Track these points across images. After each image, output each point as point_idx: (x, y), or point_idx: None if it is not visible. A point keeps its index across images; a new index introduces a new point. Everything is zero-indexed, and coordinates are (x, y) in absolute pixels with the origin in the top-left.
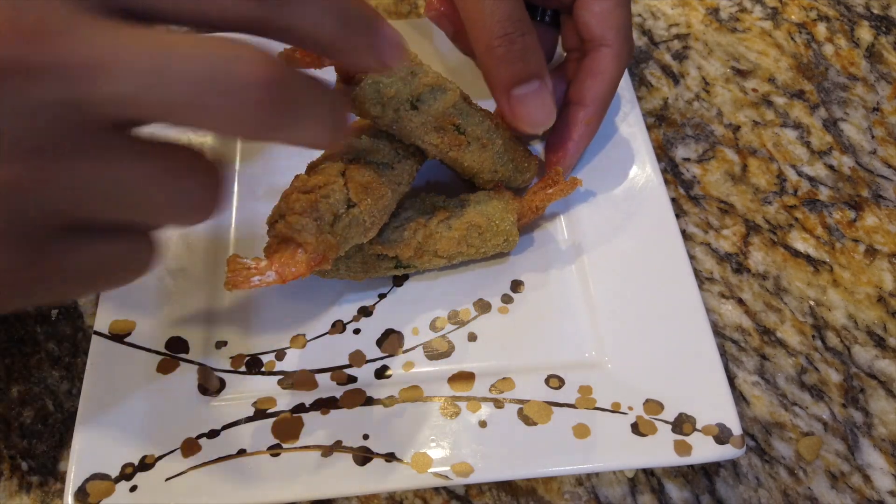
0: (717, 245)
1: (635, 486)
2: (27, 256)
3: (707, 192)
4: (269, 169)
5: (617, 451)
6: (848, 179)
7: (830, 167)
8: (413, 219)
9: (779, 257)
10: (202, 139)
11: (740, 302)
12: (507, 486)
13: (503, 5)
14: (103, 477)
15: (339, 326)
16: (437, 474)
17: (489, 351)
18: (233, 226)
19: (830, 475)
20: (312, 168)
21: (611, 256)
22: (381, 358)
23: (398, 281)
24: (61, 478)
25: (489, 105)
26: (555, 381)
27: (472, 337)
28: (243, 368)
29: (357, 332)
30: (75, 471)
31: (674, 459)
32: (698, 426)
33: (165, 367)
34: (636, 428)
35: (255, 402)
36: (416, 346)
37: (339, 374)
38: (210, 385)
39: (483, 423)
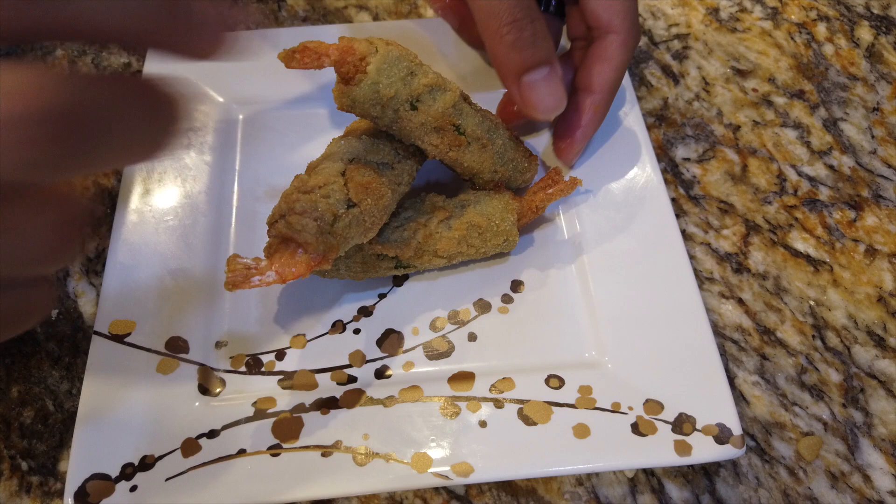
0: (717, 245)
1: (635, 486)
2: None
3: (707, 192)
4: (269, 169)
5: (617, 451)
6: (848, 179)
7: (830, 167)
8: (413, 219)
9: (779, 257)
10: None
11: (740, 302)
12: (507, 486)
13: None
14: (103, 477)
15: (339, 326)
16: (437, 474)
17: (489, 351)
18: (233, 226)
19: (830, 475)
20: (312, 168)
21: (611, 256)
22: (381, 358)
23: (398, 281)
24: (61, 478)
25: (489, 105)
26: (555, 381)
27: (472, 337)
28: (243, 368)
29: (357, 332)
30: (75, 471)
31: (674, 459)
32: (698, 426)
33: (165, 367)
34: (636, 428)
35: (255, 402)
36: (416, 346)
37: (339, 374)
38: (210, 385)
39: (483, 423)
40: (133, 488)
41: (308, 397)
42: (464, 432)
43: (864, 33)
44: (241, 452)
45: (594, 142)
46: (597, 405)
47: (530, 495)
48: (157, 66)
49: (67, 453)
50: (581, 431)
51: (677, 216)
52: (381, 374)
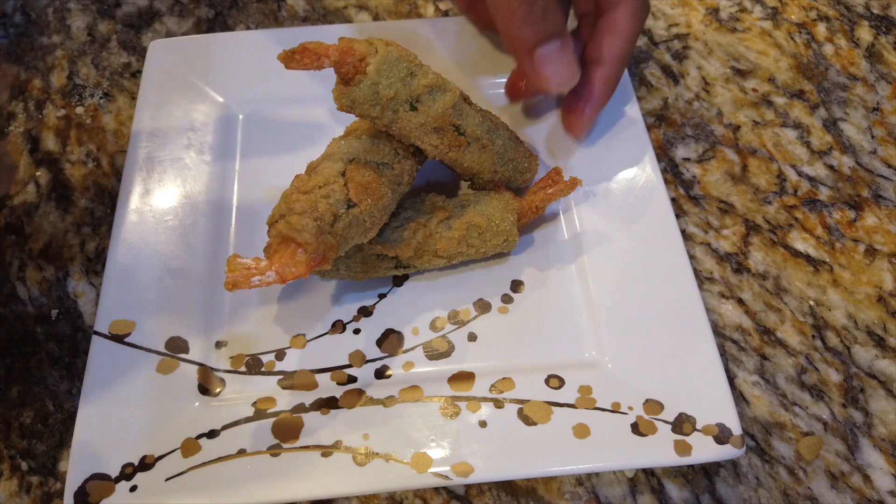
0: (717, 245)
1: (635, 486)
2: None
3: (707, 192)
4: (269, 169)
5: (617, 451)
6: (848, 179)
7: (830, 167)
8: (413, 219)
9: (779, 257)
10: None
11: (740, 302)
12: (507, 486)
13: None
14: (103, 477)
15: (339, 326)
16: (437, 474)
17: (489, 351)
18: (233, 226)
19: (830, 475)
20: (312, 168)
21: (611, 256)
22: (381, 358)
23: (398, 281)
24: (61, 478)
25: (489, 105)
26: (555, 381)
27: (472, 337)
28: (243, 368)
29: (357, 332)
30: (75, 471)
31: (674, 459)
32: (698, 426)
33: (165, 367)
34: (636, 428)
35: (255, 403)
36: (416, 346)
37: (339, 374)
38: (210, 385)
39: (483, 423)
40: (133, 488)
41: (308, 397)
42: (464, 432)
43: (864, 33)
44: (241, 452)
45: (594, 142)
46: (597, 405)
47: (530, 495)
48: (157, 65)
49: (67, 453)
50: (581, 431)
51: (677, 216)
52: (381, 374)
